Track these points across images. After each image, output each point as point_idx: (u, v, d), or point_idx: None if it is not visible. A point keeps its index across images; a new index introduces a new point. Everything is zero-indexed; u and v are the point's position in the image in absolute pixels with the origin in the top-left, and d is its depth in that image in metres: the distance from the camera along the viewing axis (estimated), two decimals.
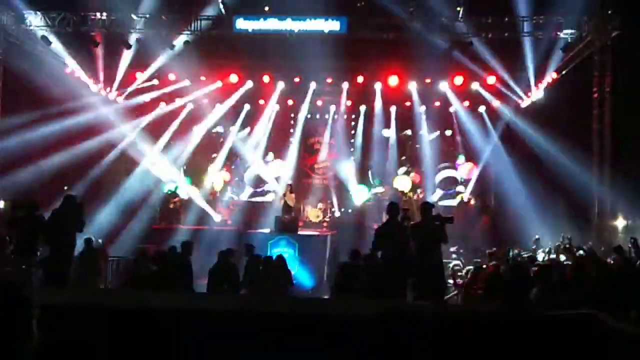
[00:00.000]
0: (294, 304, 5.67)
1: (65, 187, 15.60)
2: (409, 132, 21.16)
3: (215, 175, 21.10)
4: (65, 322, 4.44)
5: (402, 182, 20.05)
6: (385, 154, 21.07)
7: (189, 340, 4.28)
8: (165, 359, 4.26)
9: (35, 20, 16.25)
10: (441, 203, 19.26)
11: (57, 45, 16.88)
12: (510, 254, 13.99)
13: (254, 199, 20.88)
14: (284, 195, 17.17)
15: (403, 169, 20.72)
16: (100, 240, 14.12)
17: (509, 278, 9.84)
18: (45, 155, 16.77)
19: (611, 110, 15.97)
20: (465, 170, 20.85)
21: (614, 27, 15.21)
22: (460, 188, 20.68)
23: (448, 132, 21.18)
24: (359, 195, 19.92)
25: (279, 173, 21.01)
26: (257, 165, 21.08)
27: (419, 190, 20.51)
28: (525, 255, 13.04)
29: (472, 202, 20.39)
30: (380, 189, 20.01)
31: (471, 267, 13.74)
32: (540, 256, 13.62)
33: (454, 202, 20.19)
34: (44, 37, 16.31)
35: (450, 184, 20.89)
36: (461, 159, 20.99)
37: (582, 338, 4.25)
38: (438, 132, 21.08)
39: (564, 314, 4.71)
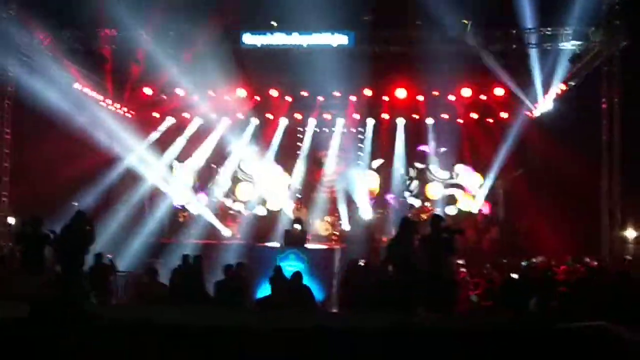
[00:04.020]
0: (304, 318, 5.65)
1: (75, 203, 15.63)
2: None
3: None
4: None
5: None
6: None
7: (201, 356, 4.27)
8: None
9: (46, 39, 16.38)
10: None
11: (67, 62, 17.03)
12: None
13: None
14: (294, 209, 17.12)
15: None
16: (109, 256, 14.14)
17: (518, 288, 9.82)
18: (55, 171, 16.85)
19: (620, 121, 15.90)
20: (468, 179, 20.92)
21: (622, 38, 15.18)
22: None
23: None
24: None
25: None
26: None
27: (427, 204, 20.52)
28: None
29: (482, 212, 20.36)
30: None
31: (479, 279, 13.68)
32: None
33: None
34: (54, 55, 16.45)
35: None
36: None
37: (596, 350, 4.20)
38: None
39: (577, 325, 4.66)
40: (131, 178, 19.76)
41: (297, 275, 10.42)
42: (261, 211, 20.81)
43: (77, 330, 3.41)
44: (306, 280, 11.64)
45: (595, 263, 12.92)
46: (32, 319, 3.37)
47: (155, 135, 20.41)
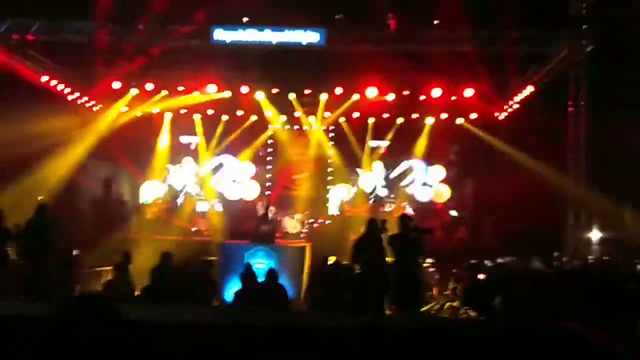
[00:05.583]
0: (274, 317, 5.62)
1: (40, 197, 15.36)
2: None
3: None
4: None
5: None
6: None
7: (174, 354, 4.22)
8: None
9: (10, 28, 16.05)
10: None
11: (33, 54, 16.72)
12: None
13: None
14: (264, 208, 17.01)
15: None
16: (75, 251, 13.93)
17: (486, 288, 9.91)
18: (19, 165, 16.53)
19: (586, 124, 16.15)
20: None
21: (589, 42, 15.41)
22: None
23: None
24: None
25: None
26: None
27: (404, 203, 20.61)
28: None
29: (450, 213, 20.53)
30: None
31: (450, 278, 13.77)
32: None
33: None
34: (19, 46, 16.14)
35: None
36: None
37: (570, 356, 4.23)
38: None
39: (549, 329, 4.69)
40: (99, 173, 19.53)
41: (272, 272, 10.35)
42: (230, 208, 20.70)
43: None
44: None
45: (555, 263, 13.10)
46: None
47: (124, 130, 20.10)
